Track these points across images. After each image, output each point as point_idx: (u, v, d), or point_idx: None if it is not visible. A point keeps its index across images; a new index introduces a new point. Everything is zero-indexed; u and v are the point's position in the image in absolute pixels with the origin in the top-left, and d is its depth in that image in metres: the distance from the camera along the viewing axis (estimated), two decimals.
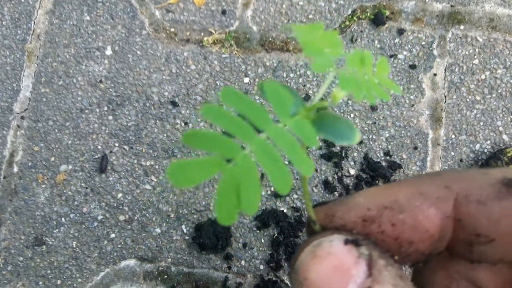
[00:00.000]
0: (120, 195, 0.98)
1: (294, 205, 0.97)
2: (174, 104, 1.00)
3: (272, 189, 0.96)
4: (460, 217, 0.26)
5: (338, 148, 0.98)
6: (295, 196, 0.97)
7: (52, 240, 0.97)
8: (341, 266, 0.23)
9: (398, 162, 0.98)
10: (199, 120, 0.99)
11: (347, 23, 1.03)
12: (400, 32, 1.01)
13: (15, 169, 0.99)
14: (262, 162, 0.22)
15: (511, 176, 0.26)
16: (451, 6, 1.03)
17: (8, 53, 1.02)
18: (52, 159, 0.99)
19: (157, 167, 0.98)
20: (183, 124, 0.99)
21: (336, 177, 0.98)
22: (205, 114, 0.22)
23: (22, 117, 1.01)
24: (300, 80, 1.00)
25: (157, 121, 1.00)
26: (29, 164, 0.99)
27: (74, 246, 0.97)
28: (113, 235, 0.97)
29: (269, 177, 0.22)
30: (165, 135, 0.99)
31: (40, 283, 0.96)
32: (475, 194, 0.26)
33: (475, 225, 0.26)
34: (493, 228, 0.25)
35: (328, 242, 0.24)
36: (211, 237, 0.94)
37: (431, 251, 0.27)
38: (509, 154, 0.94)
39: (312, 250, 0.24)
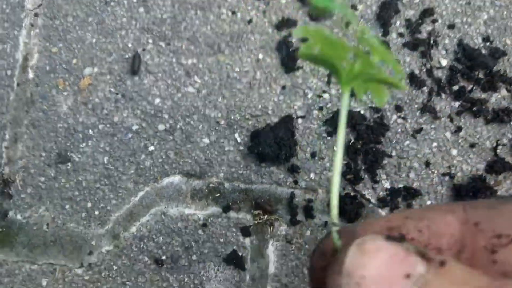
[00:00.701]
0: (157, 100, 0.80)
1: (373, 105, 0.78)
2: None
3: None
4: (478, 219, 0.27)
5: (424, 34, 0.79)
6: None
7: (79, 156, 0.80)
8: (397, 256, 0.23)
9: (501, 48, 0.78)
10: (249, 8, 0.81)
11: None
12: None
13: (31, 74, 0.82)
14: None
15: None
16: None
17: None
18: (74, 61, 0.82)
19: (200, 66, 0.80)
20: (230, 13, 0.81)
21: (424, 70, 0.78)
22: (302, 35, 0.25)
23: (36, 14, 0.83)
24: None
25: (198, 11, 0.81)
26: (47, 68, 0.82)
27: (105, 162, 0.80)
28: (152, 148, 0.79)
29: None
30: (208, 27, 0.81)
31: (67, 206, 0.80)
32: (481, 203, 0.28)
33: (494, 225, 0.26)
34: None
35: (371, 239, 0.24)
36: (271, 146, 0.76)
37: None
38: None
39: (358, 248, 0.23)
